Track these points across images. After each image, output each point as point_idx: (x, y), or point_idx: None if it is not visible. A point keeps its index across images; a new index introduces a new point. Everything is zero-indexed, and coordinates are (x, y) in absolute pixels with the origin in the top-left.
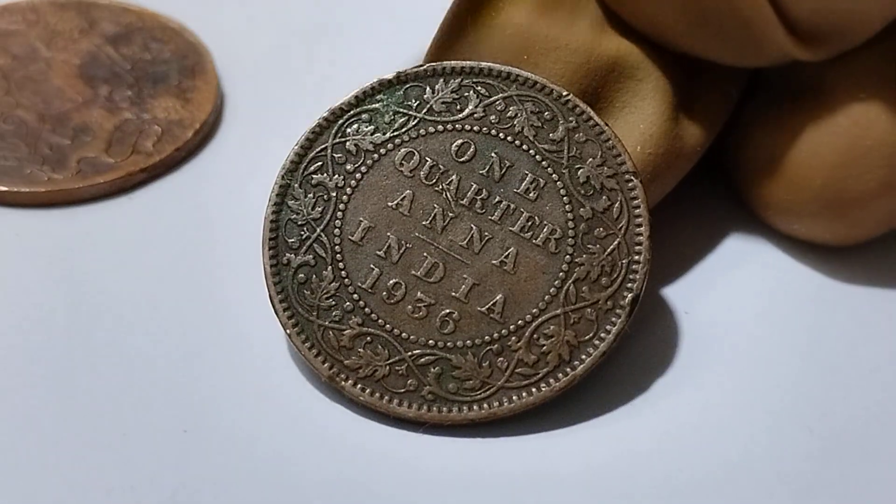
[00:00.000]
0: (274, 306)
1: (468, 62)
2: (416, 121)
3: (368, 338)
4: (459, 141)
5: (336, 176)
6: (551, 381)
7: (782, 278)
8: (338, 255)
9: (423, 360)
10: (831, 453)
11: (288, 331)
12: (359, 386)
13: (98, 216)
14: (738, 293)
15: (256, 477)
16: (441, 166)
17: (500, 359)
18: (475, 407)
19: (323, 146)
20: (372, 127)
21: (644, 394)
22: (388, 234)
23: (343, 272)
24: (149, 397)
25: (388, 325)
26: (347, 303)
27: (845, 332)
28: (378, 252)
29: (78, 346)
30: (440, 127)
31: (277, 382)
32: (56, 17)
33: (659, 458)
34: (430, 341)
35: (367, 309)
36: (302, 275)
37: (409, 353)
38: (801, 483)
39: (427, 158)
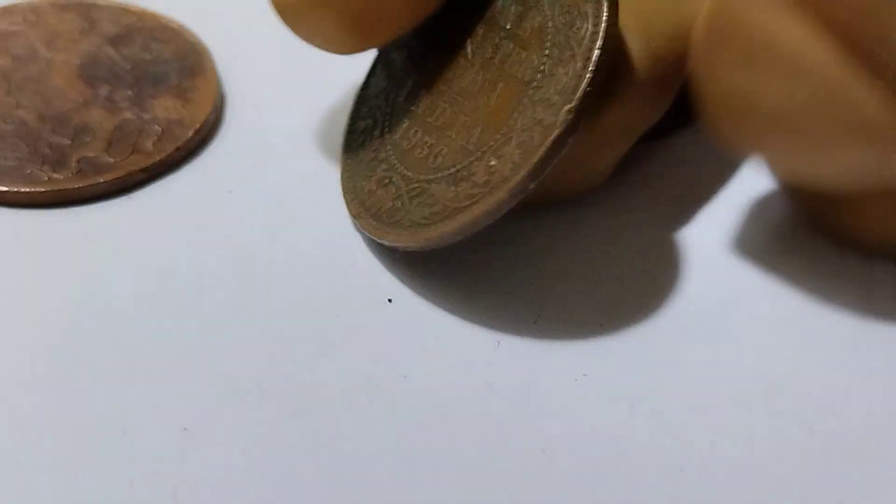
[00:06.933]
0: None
1: None
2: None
3: (386, 180)
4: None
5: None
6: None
7: (783, 278)
8: (387, 117)
9: (412, 191)
10: (831, 453)
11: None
12: (372, 222)
13: (98, 216)
14: (739, 292)
15: (257, 477)
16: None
17: (463, 183)
18: (432, 229)
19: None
20: None
21: (643, 394)
22: (422, 90)
23: (387, 129)
24: (148, 396)
25: (400, 167)
26: (382, 153)
27: (845, 332)
28: (412, 107)
29: (78, 345)
30: None
31: (276, 386)
32: (56, 18)
33: (659, 457)
34: (421, 175)
35: (392, 159)
36: (362, 138)
37: (407, 187)
38: (801, 483)
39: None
